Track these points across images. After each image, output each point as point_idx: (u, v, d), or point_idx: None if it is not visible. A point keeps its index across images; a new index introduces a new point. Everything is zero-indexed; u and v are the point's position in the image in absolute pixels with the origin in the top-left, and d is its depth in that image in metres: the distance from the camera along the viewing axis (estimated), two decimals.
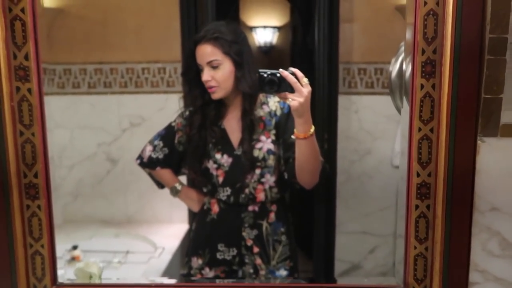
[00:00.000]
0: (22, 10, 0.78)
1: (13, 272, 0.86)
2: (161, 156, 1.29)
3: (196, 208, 1.32)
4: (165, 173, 1.32)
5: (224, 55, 1.16)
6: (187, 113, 1.28)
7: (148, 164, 1.32)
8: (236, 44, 1.16)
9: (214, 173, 1.24)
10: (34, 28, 0.81)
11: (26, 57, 0.81)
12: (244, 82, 1.16)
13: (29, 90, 0.82)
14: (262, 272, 1.25)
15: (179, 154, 1.29)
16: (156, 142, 1.30)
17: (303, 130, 1.08)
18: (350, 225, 1.91)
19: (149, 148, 1.31)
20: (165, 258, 1.63)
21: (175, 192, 1.32)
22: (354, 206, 1.90)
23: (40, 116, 0.83)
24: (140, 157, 1.33)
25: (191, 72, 1.20)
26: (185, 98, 1.28)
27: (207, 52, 1.16)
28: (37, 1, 0.79)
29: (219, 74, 1.16)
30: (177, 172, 1.33)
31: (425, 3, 0.75)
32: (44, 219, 0.84)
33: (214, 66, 1.16)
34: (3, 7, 0.77)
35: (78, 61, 1.87)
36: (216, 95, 1.18)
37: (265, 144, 1.22)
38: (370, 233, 1.90)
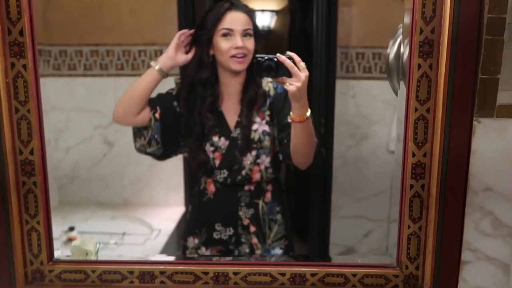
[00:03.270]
0: None
1: (9, 249, 0.86)
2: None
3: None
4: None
5: (253, 29, 1.17)
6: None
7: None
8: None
9: (211, 155, 1.24)
10: (29, 3, 0.79)
11: (21, 33, 0.80)
12: None
13: (24, 67, 0.81)
14: (258, 251, 1.27)
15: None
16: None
17: (300, 114, 1.08)
18: (345, 210, 1.92)
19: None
20: (161, 240, 1.64)
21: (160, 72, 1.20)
22: (349, 191, 1.91)
23: (35, 92, 0.83)
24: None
25: (206, 37, 1.16)
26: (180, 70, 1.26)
27: (243, 20, 1.16)
28: None
29: (250, 43, 1.16)
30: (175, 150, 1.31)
31: None
32: (39, 195, 0.84)
33: (247, 35, 1.16)
34: None
35: (73, 43, 1.85)
36: (243, 65, 1.17)
37: (260, 125, 1.22)
38: (365, 218, 1.91)
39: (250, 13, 1.19)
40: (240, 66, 1.17)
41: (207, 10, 1.22)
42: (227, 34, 1.16)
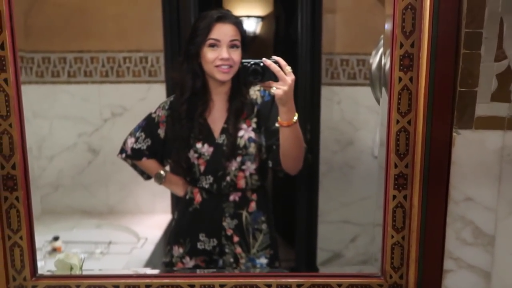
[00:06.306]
0: None
1: None
2: (144, 147, 1.29)
3: (181, 193, 1.31)
4: (150, 163, 1.32)
5: (241, 40, 1.18)
6: (168, 103, 1.28)
7: (132, 155, 1.31)
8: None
9: (195, 162, 1.24)
10: (10, 16, 0.79)
11: (2, 47, 0.79)
12: None
13: (6, 80, 0.80)
14: (242, 261, 1.27)
15: (162, 145, 1.29)
16: (138, 134, 1.29)
17: (287, 118, 1.09)
18: (331, 215, 1.94)
19: (131, 140, 1.30)
20: (148, 248, 1.62)
21: (159, 179, 1.31)
22: (335, 196, 1.92)
23: (17, 106, 0.82)
24: (123, 150, 1.32)
25: (194, 49, 1.18)
26: (172, 83, 1.27)
27: (230, 31, 1.17)
28: None
29: (236, 55, 1.17)
30: (162, 162, 1.33)
31: None
32: (22, 210, 0.83)
33: (234, 46, 1.17)
34: None
35: (57, 50, 1.83)
36: (228, 76, 1.18)
37: (246, 132, 1.23)
38: (351, 222, 1.92)
39: (238, 24, 1.19)
40: (224, 76, 1.18)
41: (195, 21, 1.23)
42: (214, 44, 1.16)
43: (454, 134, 0.78)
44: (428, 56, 0.75)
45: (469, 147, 0.78)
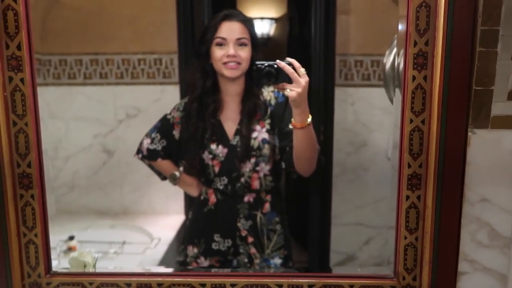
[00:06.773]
0: (14, 0, 0.78)
1: (7, 262, 0.86)
2: (159, 148, 1.30)
3: (195, 194, 1.32)
4: (165, 164, 1.33)
5: (249, 38, 1.19)
6: (182, 105, 1.29)
7: (148, 156, 1.33)
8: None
9: (210, 163, 1.25)
10: (27, 17, 0.80)
11: (19, 47, 0.81)
12: None
13: (22, 80, 0.82)
14: (257, 261, 1.27)
15: (177, 146, 1.30)
16: (153, 135, 1.31)
17: (301, 120, 1.09)
18: (345, 217, 1.92)
19: (147, 141, 1.32)
20: (161, 248, 1.63)
21: (173, 179, 1.32)
22: (349, 198, 1.91)
23: (33, 106, 0.84)
24: (139, 150, 1.34)
25: (204, 48, 1.20)
26: (186, 84, 1.29)
27: (237, 29, 1.18)
28: None
29: (244, 52, 1.18)
30: (176, 163, 1.34)
31: None
32: (37, 208, 0.85)
33: (242, 44, 1.18)
34: None
35: (73, 52, 1.86)
36: (236, 72, 1.19)
37: (260, 133, 1.23)
38: (365, 225, 1.91)
39: (246, 22, 1.20)
40: (232, 72, 1.18)
41: (207, 22, 1.25)
42: (221, 43, 1.17)
43: (469, 133, 0.76)
44: (443, 54, 0.74)
45: (485, 147, 0.76)
